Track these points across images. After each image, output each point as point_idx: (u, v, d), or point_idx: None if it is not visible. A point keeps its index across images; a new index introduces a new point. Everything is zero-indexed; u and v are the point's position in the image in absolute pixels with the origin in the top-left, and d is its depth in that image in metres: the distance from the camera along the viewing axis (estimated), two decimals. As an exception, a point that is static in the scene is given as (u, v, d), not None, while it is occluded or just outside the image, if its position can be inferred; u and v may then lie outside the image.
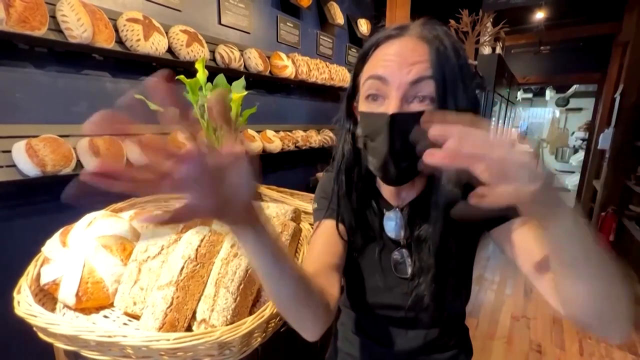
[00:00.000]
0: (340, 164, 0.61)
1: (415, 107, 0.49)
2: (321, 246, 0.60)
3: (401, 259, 0.61)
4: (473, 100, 0.50)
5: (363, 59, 0.55)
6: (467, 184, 0.41)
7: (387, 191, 0.63)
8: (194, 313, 0.66)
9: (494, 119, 3.64)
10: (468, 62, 0.51)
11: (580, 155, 5.99)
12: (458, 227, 0.53)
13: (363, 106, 0.54)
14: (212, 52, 1.54)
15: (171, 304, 0.62)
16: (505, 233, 0.54)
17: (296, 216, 0.93)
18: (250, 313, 0.65)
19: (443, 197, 0.52)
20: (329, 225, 0.62)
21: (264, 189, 1.32)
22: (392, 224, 0.61)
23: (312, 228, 0.76)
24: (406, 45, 0.50)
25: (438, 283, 0.55)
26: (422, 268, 0.57)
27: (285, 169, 2.25)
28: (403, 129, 0.48)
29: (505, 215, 0.53)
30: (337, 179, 0.61)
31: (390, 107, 0.49)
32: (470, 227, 0.55)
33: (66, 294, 0.67)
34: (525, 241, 0.51)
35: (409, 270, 0.60)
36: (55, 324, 0.55)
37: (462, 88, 0.49)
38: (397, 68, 0.48)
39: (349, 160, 0.60)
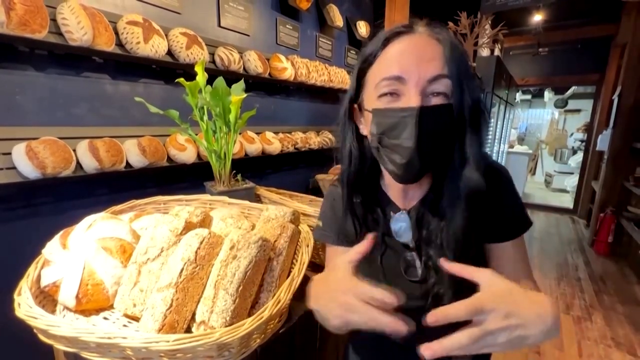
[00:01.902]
0: (349, 167, 0.61)
1: (434, 101, 0.50)
2: None
3: (412, 262, 0.60)
4: (479, 96, 0.51)
5: (370, 58, 0.54)
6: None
7: (394, 192, 0.62)
8: (194, 315, 0.66)
9: (492, 120, 3.65)
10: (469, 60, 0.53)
11: (579, 156, 6.00)
12: (475, 220, 0.53)
13: (377, 104, 0.53)
14: (212, 54, 1.54)
15: (171, 305, 0.62)
16: (497, 251, 0.58)
17: (295, 218, 0.94)
18: (249, 314, 0.65)
19: (465, 185, 0.51)
20: (341, 251, 0.65)
21: (263, 191, 1.33)
22: (401, 227, 0.60)
23: (315, 241, 0.79)
24: (419, 41, 0.50)
25: (456, 280, 0.54)
26: (437, 267, 0.56)
27: (284, 171, 2.26)
28: (428, 122, 0.49)
29: (509, 233, 0.57)
30: (347, 184, 0.61)
31: (411, 100, 0.49)
32: (479, 230, 0.55)
33: (66, 296, 0.67)
34: (508, 269, 0.56)
35: (419, 273, 0.59)
36: (56, 325, 0.55)
37: (472, 85, 0.50)
38: (414, 66, 0.48)
39: (357, 162, 0.60)
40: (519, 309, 0.37)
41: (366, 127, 0.57)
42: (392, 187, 0.62)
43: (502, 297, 0.38)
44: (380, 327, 0.39)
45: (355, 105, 0.59)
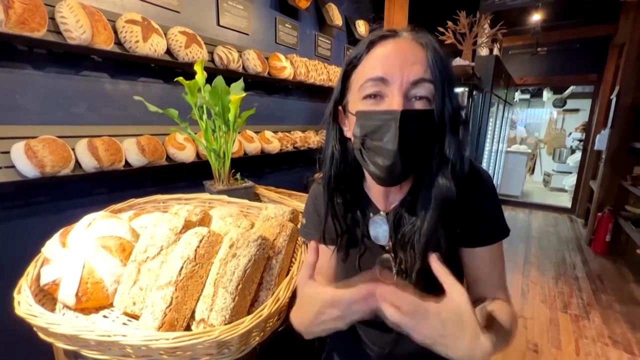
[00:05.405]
0: (330, 170, 0.61)
1: (416, 105, 0.50)
2: (327, 268, 0.67)
3: (387, 264, 0.60)
4: (458, 101, 0.52)
5: (355, 61, 0.55)
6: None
7: (375, 194, 0.63)
8: (193, 313, 0.66)
9: (491, 120, 3.66)
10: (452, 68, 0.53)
11: (578, 155, 6.00)
12: (445, 228, 0.53)
13: (360, 106, 0.53)
14: (211, 53, 1.54)
15: (170, 303, 0.63)
16: (471, 256, 0.59)
17: (294, 217, 0.94)
18: (249, 313, 0.65)
19: (437, 191, 0.52)
20: (325, 250, 0.66)
21: (262, 190, 1.33)
22: (379, 229, 0.60)
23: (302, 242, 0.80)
24: (403, 45, 0.51)
25: (422, 282, 0.54)
26: (407, 269, 0.57)
27: (283, 170, 2.26)
28: (410, 126, 0.49)
29: (482, 239, 0.58)
30: (328, 185, 0.61)
31: (394, 104, 0.49)
32: (453, 235, 0.55)
33: (66, 294, 0.68)
34: (480, 273, 0.59)
35: (394, 275, 0.59)
36: (56, 323, 0.55)
37: (453, 90, 0.51)
38: (398, 68, 0.49)
39: (338, 165, 0.60)
40: (452, 334, 0.42)
41: (350, 130, 0.57)
42: (373, 189, 0.63)
43: (448, 317, 0.42)
44: (375, 302, 0.43)
45: (340, 108, 0.59)
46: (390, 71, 0.49)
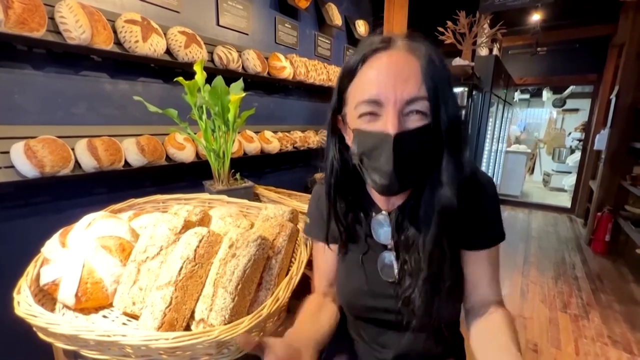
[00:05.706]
0: (330, 179, 0.61)
1: (411, 121, 0.50)
2: (328, 268, 0.69)
3: (388, 262, 0.61)
4: (458, 109, 0.52)
5: (351, 74, 0.54)
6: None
7: (377, 195, 0.63)
8: (193, 313, 0.66)
9: (491, 119, 3.66)
10: (450, 72, 0.53)
11: (577, 155, 6.01)
12: (448, 233, 0.54)
13: (356, 124, 0.53)
14: (211, 53, 1.54)
15: (170, 303, 0.63)
16: (471, 257, 0.60)
17: (294, 217, 0.94)
18: (248, 312, 0.66)
19: (438, 201, 0.53)
20: (328, 252, 0.67)
21: (262, 190, 1.33)
22: (381, 228, 0.61)
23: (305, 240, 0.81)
24: (396, 59, 0.50)
25: (428, 286, 0.55)
26: (412, 271, 0.57)
27: (283, 170, 2.26)
28: (405, 146, 0.49)
29: (483, 242, 0.59)
30: (329, 193, 0.62)
31: (388, 124, 0.49)
32: (455, 238, 0.56)
33: (65, 294, 0.68)
34: (479, 274, 0.61)
35: (396, 274, 0.60)
36: (55, 323, 0.55)
37: (451, 100, 0.50)
38: (392, 87, 0.48)
39: (339, 173, 0.61)
40: None
41: (349, 139, 0.57)
42: (375, 191, 0.63)
43: None
44: None
45: (339, 117, 0.59)
46: (384, 91, 0.49)
